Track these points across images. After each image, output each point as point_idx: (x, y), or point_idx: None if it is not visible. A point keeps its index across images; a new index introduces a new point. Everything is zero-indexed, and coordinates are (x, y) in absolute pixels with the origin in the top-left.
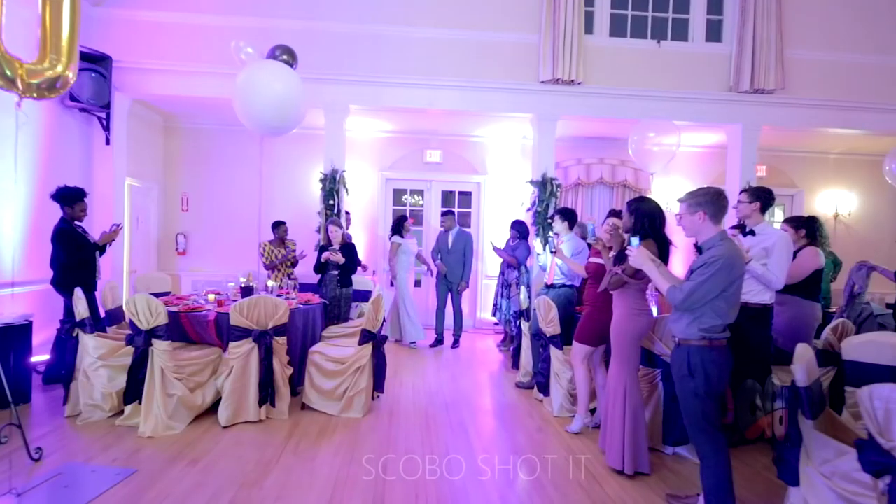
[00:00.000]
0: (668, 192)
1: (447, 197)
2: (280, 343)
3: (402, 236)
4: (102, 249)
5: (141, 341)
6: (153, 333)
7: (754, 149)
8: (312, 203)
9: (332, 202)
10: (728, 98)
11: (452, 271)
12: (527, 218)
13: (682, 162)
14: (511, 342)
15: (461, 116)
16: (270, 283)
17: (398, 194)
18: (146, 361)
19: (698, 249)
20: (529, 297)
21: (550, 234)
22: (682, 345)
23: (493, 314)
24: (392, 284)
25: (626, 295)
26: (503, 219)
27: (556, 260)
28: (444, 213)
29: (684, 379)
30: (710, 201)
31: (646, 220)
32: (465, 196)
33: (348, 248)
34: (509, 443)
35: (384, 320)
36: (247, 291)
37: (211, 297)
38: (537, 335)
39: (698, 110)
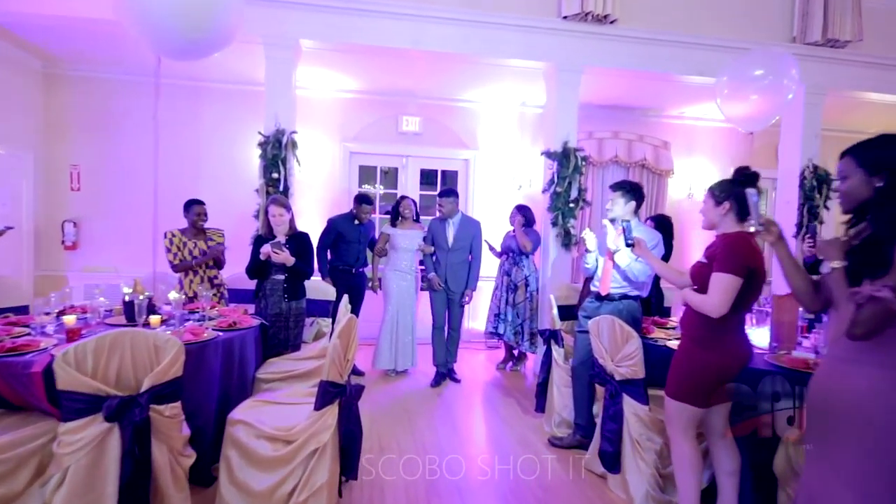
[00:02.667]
0: (689, 177)
1: (427, 176)
2: (168, 416)
3: (394, 225)
4: None
5: None
6: None
7: (818, 117)
8: (250, 179)
9: (276, 175)
10: (792, 52)
11: (455, 276)
12: (536, 204)
13: (706, 140)
14: (522, 360)
15: (448, 72)
16: (173, 296)
17: (366, 173)
18: None
19: None
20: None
21: (574, 231)
22: None
23: (495, 328)
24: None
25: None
26: (496, 205)
27: (621, 258)
28: (442, 194)
29: None
30: None
31: None
32: (450, 176)
33: (299, 241)
34: None
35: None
36: (129, 310)
37: (69, 319)
38: (598, 375)
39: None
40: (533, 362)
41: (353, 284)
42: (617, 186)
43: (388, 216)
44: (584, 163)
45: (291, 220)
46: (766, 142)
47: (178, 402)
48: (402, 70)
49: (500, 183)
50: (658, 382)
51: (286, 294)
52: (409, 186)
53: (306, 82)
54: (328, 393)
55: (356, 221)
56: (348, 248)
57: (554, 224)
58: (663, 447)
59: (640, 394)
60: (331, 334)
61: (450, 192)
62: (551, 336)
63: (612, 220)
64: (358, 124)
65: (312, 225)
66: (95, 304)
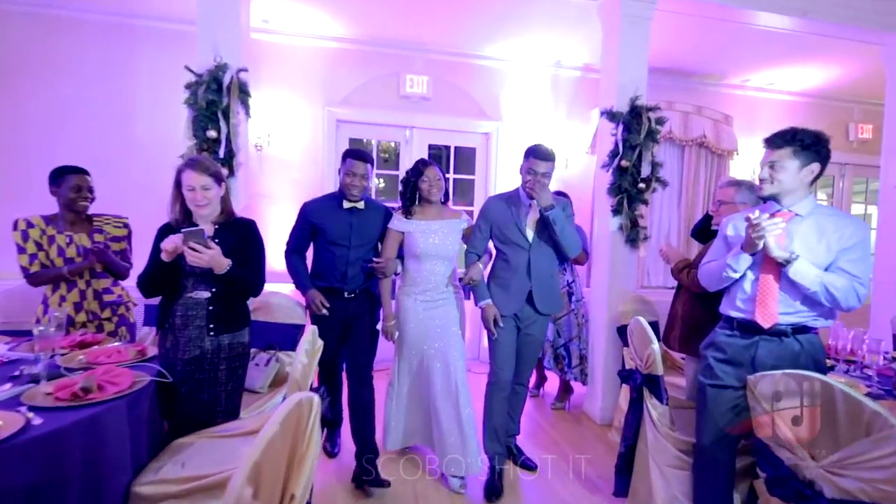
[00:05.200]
0: (752, 159)
1: (437, 154)
2: None
3: (409, 215)
4: None
5: None
6: None
7: None
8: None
9: (212, 133)
10: None
11: (545, 293)
12: (574, 189)
13: (769, 114)
14: (568, 393)
15: (466, 15)
16: None
17: (358, 147)
18: None
19: None
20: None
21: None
22: None
23: None
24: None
25: None
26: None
27: (803, 271)
28: (542, 153)
29: None
30: None
31: None
32: (466, 154)
33: (238, 233)
34: None
35: None
36: None
37: None
38: (781, 482)
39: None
40: (585, 398)
41: (350, 316)
42: (783, 139)
43: (399, 203)
44: (659, 127)
45: (225, 200)
46: (836, 119)
47: None
48: (406, 11)
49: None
50: None
51: (212, 324)
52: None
53: (277, 23)
54: None
55: (345, 203)
56: (333, 254)
57: (616, 212)
58: None
59: None
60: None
61: (553, 154)
62: (646, 384)
63: (769, 201)
64: (347, 84)
65: (286, 219)
66: None
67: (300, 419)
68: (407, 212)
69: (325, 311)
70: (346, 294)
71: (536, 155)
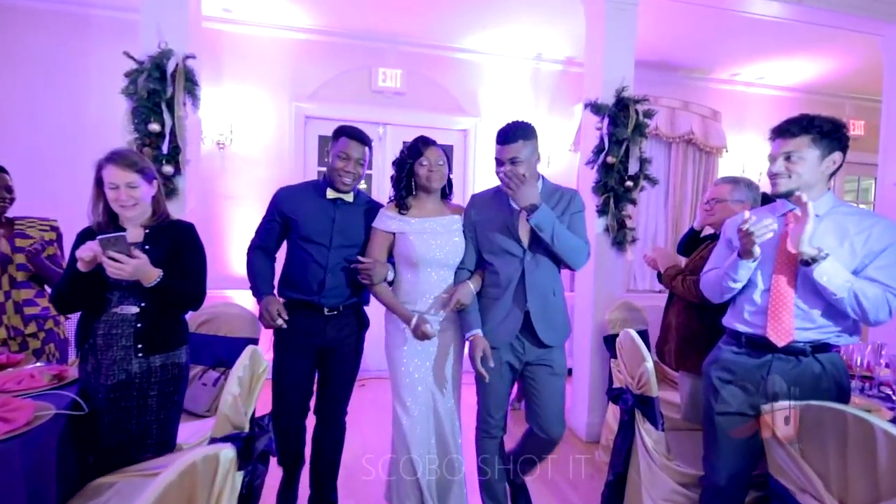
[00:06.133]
0: (741, 156)
1: None
2: None
3: (403, 209)
4: None
5: None
6: None
7: None
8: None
9: (155, 126)
10: None
11: (547, 314)
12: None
13: (758, 110)
14: None
15: (441, 5)
16: None
17: (328, 145)
18: None
19: None
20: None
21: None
22: None
23: None
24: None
25: None
26: None
27: (832, 274)
28: (507, 136)
29: None
30: None
31: None
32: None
33: (173, 238)
34: None
35: None
36: None
37: None
38: None
39: None
40: (569, 413)
41: (329, 340)
42: (799, 126)
43: (390, 196)
44: (648, 120)
45: (157, 200)
46: (828, 113)
47: None
48: (378, 0)
49: None
50: None
51: (141, 343)
52: (387, 166)
53: (239, 13)
54: None
55: (329, 192)
56: (308, 254)
57: (601, 212)
58: None
59: None
60: None
61: (523, 129)
62: (639, 406)
63: (779, 200)
64: (316, 78)
65: (250, 220)
66: None
67: (193, 491)
68: (401, 205)
69: (280, 323)
70: (325, 311)
71: (497, 138)
